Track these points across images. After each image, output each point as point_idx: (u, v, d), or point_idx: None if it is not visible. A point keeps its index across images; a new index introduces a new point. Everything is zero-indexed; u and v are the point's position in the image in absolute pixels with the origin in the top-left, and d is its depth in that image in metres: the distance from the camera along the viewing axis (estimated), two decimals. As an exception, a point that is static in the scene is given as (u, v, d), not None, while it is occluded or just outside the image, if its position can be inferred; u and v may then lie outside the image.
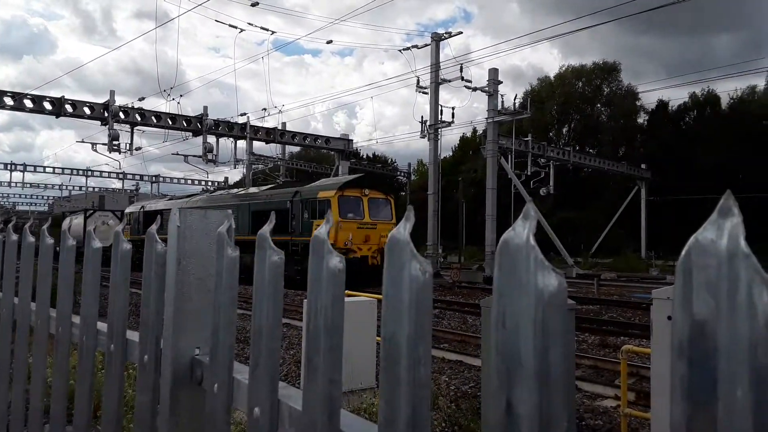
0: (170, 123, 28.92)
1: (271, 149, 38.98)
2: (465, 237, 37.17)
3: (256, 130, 32.22)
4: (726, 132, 42.29)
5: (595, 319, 13.72)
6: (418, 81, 28.09)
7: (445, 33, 28.21)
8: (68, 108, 25.81)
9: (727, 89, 69.63)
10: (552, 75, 57.63)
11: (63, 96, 25.83)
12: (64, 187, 63.73)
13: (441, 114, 27.56)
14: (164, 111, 29.05)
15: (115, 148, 27.12)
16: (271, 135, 32.86)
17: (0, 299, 2.38)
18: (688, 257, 0.51)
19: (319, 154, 51.59)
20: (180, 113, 29.47)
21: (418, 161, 61.60)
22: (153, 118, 28.30)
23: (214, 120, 29.91)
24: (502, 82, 27.29)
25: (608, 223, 40.31)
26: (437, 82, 27.52)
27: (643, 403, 6.53)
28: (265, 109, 34.37)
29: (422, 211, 25.99)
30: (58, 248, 2.03)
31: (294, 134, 34.26)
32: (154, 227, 1.52)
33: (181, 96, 41.94)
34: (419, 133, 28.44)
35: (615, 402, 6.87)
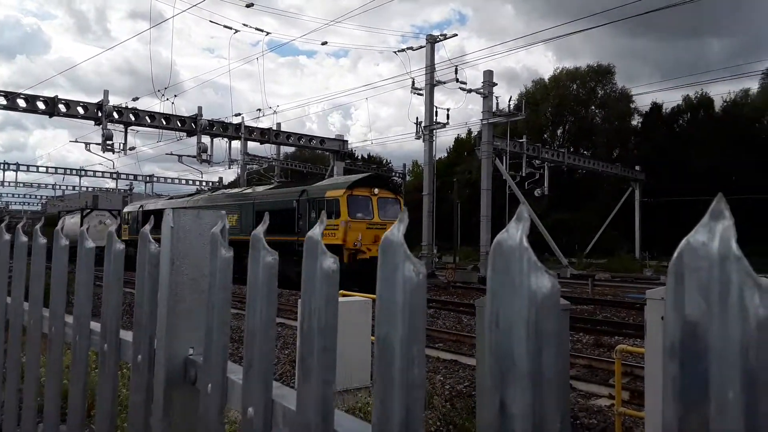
0: (164, 123, 28.84)
1: (266, 150, 38.94)
2: (460, 237, 37.20)
3: (250, 130, 32.17)
4: (719, 134, 42.50)
5: (589, 319, 13.76)
6: (413, 82, 28.12)
7: (440, 35, 28.28)
8: (62, 108, 25.71)
9: (721, 92, 69.94)
10: (547, 77, 57.82)
11: (56, 96, 25.72)
12: (57, 187, 63.53)
13: (436, 115, 27.60)
14: (158, 111, 28.97)
15: (109, 147, 27.03)
16: (265, 135, 32.81)
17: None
18: (680, 259, 0.52)
19: (313, 154, 51.54)
20: (174, 113, 29.41)
21: (413, 162, 61.71)
22: (147, 118, 28.21)
23: (208, 120, 29.85)
24: (496, 84, 27.37)
25: (602, 224, 40.44)
26: (432, 84, 27.55)
27: (637, 402, 6.55)
28: (259, 110, 34.36)
29: (417, 212, 26.02)
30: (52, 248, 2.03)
31: (289, 135, 34.22)
32: (147, 227, 1.52)
33: (175, 96, 42.05)
34: (414, 134, 28.47)
35: (609, 401, 6.90)
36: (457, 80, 26.95)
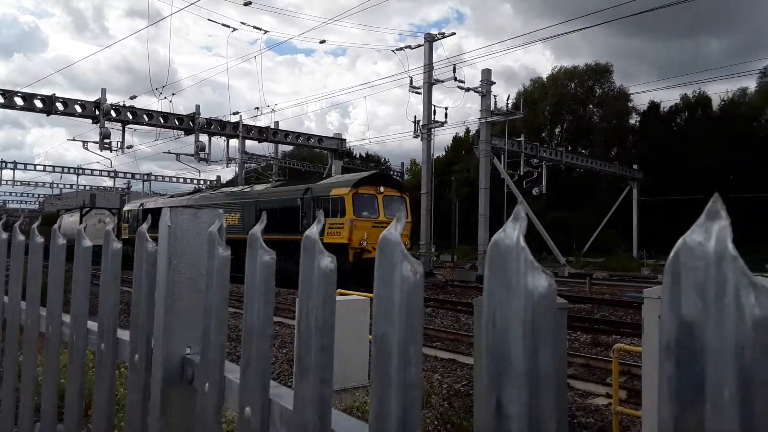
0: (162, 121, 28.80)
1: (264, 148, 38.92)
2: (458, 236, 37.22)
3: (248, 128, 32.14)
4: (717, 133, 42.57)
5: (587, 318, 13.78)
6: (411, 81, 28.12)
7: (439, 34, 28.26)
8: (59, 106, 25.66)
9: (718, 91, 70.09)
10: (545, 76, 57.86)
11: (54, 94, 25.68)
12: (54, 185, 63.44)
13: (434, 114, 27.60)
14: (156, 109, 28.93)
15: (107, 146, 27.00)
16: (263, 134, 32.78)
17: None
18: (677, 259, 0.52)
19: (311, 153, 51.52)
20: (172, 112, 29.36)
21: (411, 161, 61.72)
22: (145, 116, 28.17)
23: (206, 119, 29.81)
24: (495, 83, 27.36)
25: (600, 222, 40.50)
26: (430, 83, 27.55)
27: (635, 401, 6.56)
28: (257, 108, 34.31)
29: (415, 211, 26.01)
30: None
31: (287, 133, 34.19)
32: (145, 226, 1.51)
33: (173, 94, 41.87)
34: (412, 132, 28.47)
35: (606, 400, 6.91)
36: (456, 79, 26.97)
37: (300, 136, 34.43)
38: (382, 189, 20.21)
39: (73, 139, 32.11)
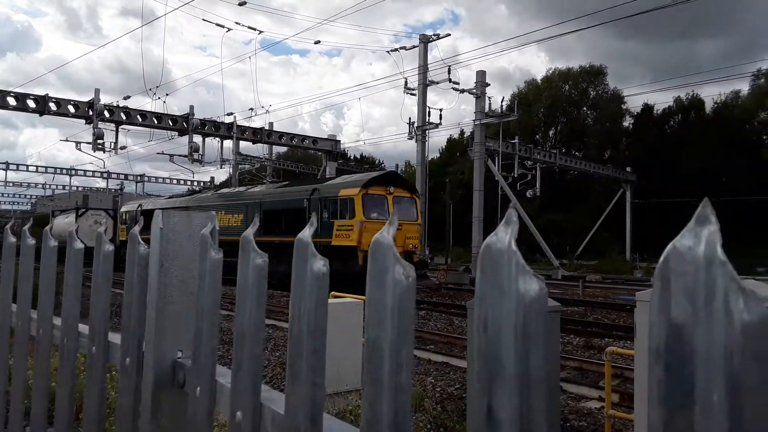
0: (156, 122, 28.73)
1: (258, 149, 38.90)
2: (452, 238, 37.26)
3: (242, 129, 32.10)
4: (710, 136, 42.81)
5: (580, 321, 13.81)
6: (405, 82, 28.19)
7: (433, 35, 28.35)
8: (52, 106, 25.56)
9: (712, 93, 70.46)
10: (539, 78, 58.03)
11: (47, 94, 25.58)
12: (47, 186, 63.15)
13: (429, 115, 27.68)
14: (150, 110, 28.85)
15: (100, 147, 26.88)
16: (258, 135, 32.75)
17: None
18: (666, 264, 0.52)
19: (306, 154, 51.51)
20: (166, 112, 29.29)
21: (406, 162, 61.78)
22: (138, 117, 28.09)
23: (200, 119, 29.76)
24: (489, 85, 27.47)
25: (594, 225, 40.64)
26: (425, 84, 27.61)
27: (627, 404, 6.58)
28: (252, 109, 34.32)
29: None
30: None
31: (281, 134, 34.17)
32: (137, 228, 1.51)
33: (167, 95, 41.86)
34: (407, 134, 28.53)
35: (599, 403, 6.92)
36: (450, 80, 27.04)
37: (294, 138, 34.41)
38: (392, 189, 19.55)
39: (66, 140, 32.08)
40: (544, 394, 0.63)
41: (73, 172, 55.76)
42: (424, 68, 27.70)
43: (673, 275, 0.52)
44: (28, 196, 77.12)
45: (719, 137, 42.39)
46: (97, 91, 26.21)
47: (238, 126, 31.66)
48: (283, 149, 49.25)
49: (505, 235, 0.66)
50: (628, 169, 41.26)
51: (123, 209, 34.19)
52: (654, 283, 0.53)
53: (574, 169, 39.58)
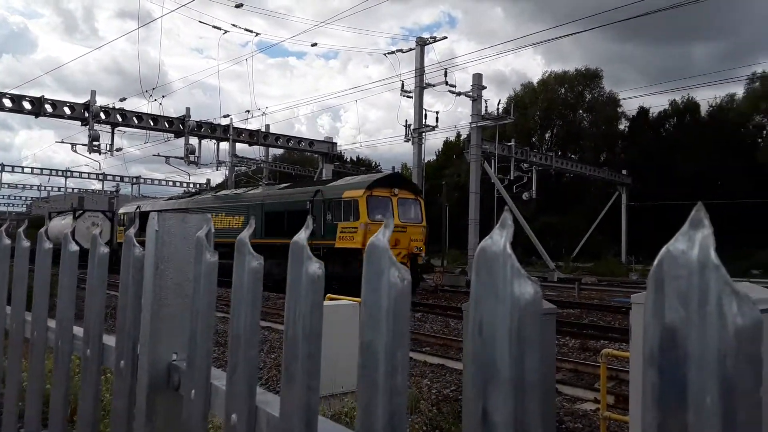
0: (152, 124, 28.68)
1: (254, 151, 38.82)
2: (448, 241, 37.24)
3: (239, 132, 32.08)
4: (705, 139, 42.95)
5: (575, 323, 13.84)
6: (402, 85, 28.23)
7: (430, 38, 28.38)
8: (48, 108, 25.49)
9: (707, 97, 70.84)
10: (535, 81, 58.13)
11: (43, 96, 25.50)
12: (42, 188, 62.93)
13: (425, 118, 27.71)
14: (146, 112, 28.81)
15: (96, 148, 26.82)
16: (254, 137, 32.73)
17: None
18: (660, 267, 0.52)
19: (302, 156, 51.45)
20: (162, 114, 29.27)
21: (402, 165, 61.68)
22: (134, 118, 28.05)
23: (196, 121, 29.72)
24: (486, 87, 27.52)
25: (589, 227, 40.72)
26: (422, 87, 27.64)
27: (622, 406, 6.59)
28: (248, 111, 34.32)
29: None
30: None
31: (278, 136, 34.15)
32: (132, 230, 1.50)
33: (163, 97, 41.76)
34: (403, 136, 28.57)
35: (595, 405, 6.93)
36: (447, 83, 27.09)
37: (291, 140, 34.40)
38: (396, 191, 19.28)
39: (62, 142, 31.93)
40: (539, 397, 0.63)
41: (69, 173, 55.64)
42: (420, 71, 27.74)
43: (666, 279, 0.52)
44: (24, 198, 76.90)
45: (714, 140, 42.53)
46: (93, 93, 26.20)
47: (234, 128, 31.63)
48: (279, 151, 49.19)
49: (500, 239, 0.66)
50: (624, 171, 41.37)
51: (121, 211, 33.73)
52: (648, 287, 0.54)
53: (570, 172, 39.68)
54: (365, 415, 0.78)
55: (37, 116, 25.57)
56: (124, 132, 29.56)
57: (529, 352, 0.62)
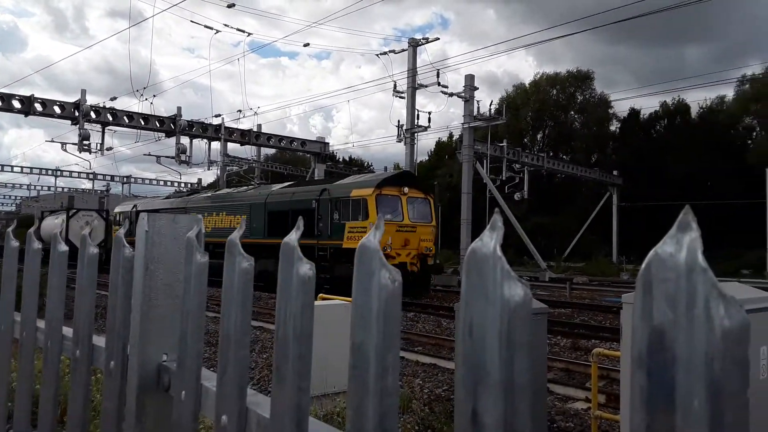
0: (143, 123, 28.53)
1: (246, 151, 38.73)
2: (440, 241, 37.28)
3: (230, 131, 31.97)
4: (695, 140, 43.21)
5: (567, 323, 13.89)
6: (395, 85, 28.23)
7: (422, 38, 28.41)
8: (38, 107, 25.31)
9: (697, 99, 71.29)
10: (527, 82, 58.25)
11: (33, 94, 25.33)
12: (32, 187, 62.52)
13: (417, 118, 27.74)
14: (137, 111, 28.66)
15: (86, 148, 26.66)
16: (246, 137, 32.63)
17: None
18: (648, 270, 0.52)
19: (294, 156, 51.36)
20: (153, 113, 29.12)
21: (395, 165, 61.72)
22: (125, 118, 27.89)
23: (187, 121, 29.59)
24: (478, 88, 27.55)
25: (581, 228, 40.87)
26: (414, 87, 27.66)
27: (614, 405, 6.62)
28: (240, 111, 34.19)
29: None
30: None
31: (269, 136, 34.06)
32: (122, 231, 1.50)
33: (154, 96, 41.58)
34: (396, 137, 28.57)
35: (586, 404, 6.96)
36: (439, 84, 27.10)
37: (283, 140, 34.33)
38: (406, 190, 18.63)
39: (52, 141, 31.72)
40: (530, 398, 0.63)
41: (59, 173, 55.29)
42: (413, 72, 27.76)
43: (654, 281, 0.52)
44: (13, 197, 76.36)
45: (705, 142, 42.80)
46: (83, 92, 26.01)
47: (226, 128, 31.53)
48: (271, 151, 49.07)
49: (490, 240, 0.66)
50: (615, 172, 41.57)
51: (117, 210, 32.91)
52: (636, 290, 0.54)
53: (561, 173, 39.84)
54: (356, 416, 0.78)
55: (26, 115, 25.39)
56: (115, 131, 29.42)
57: (519, 354, 0.63)
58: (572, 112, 55.39)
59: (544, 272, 28.31)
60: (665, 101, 49.94)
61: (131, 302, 1.40)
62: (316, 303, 7.59)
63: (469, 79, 27.33)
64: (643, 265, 0.53)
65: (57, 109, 25.90)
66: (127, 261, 1.44)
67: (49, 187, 61.68)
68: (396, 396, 0.76)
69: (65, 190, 64.46)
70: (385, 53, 29.03)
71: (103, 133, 27.50)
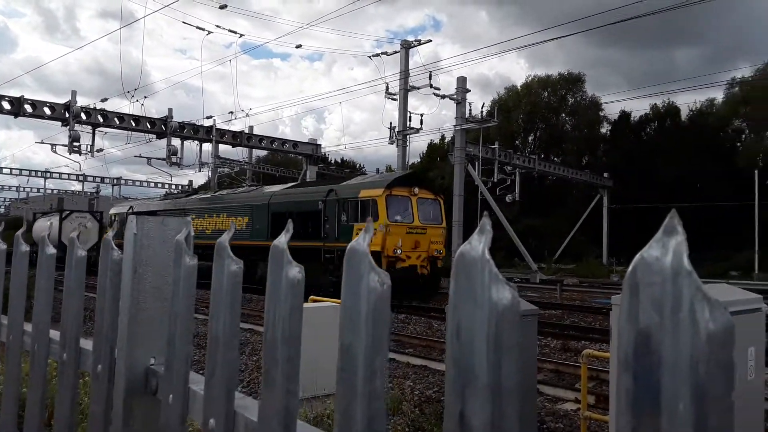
0: (133, 125, 28.39)
1: (238, 153, 38.64)
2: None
3: (222, 133, 31.87)
4: (685, 143, 43.51)
5: (557, 324, 13.94)
6: (387, 87, 28.25)
7: (415, 41, 28.47)
8: (28, 108, 25.14)
9: (688, 101, 71.71)
10: (519, 84, 58.41)
11: (22, 96, 25.15)
12: (21, 189, 62.08)
13: (410, 120, 27.76)
14: (127, 112, 28.52)
15: (76, 149, 26.50)
16: (237, 138, 32.55)
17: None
18: (634, 274, 0.53)
19: (286, 158, 51.28)
20: (144, 115, 28.99)
21: (387, 167, 61.74)
22: (116, 119, 27.74)
23: (178, 122, 29.48)
24: (470, 91, 27.63)
25: (571, 229, 41.03)
26: (406, 89, 27.69)
27: (603, 406, 6.65)
28: (231, 113, 34.11)
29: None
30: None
31: (261, 138, 33.99)
32: (110, 233, 1.49)
33: (145, 97, 41.46)
34: (388, 139, 28.58)
35: (575, 405, 6.99)
36: (431, 86, 27.15)
37: (275, 141, 34.26)
38: (416, 190, 18.20)
39: (42, 142, 31.55)
40: (517, 401, 0.63)
41: (48, 174, 54.93)
42: (405, 74, 27.79)
43: (641, 285, 0.52)
44: (2, 199, 75.75)
45: (694, 144, 43.08)
46: (73, 93, 25.87)
47: (217, 129, 31.43)
48: (262, 153, 49.00)
49: (479, 244, 0.66)
50: (606, 174, 41.78)
51: (112, 211, 32.30)
52: (622, 293, 0.54)
53: (552, 175, 39.99)
54: (344, 419, 0.78)
55: (16, 116, 25.21)
56: (105, 133, 29.29)
57: (506, 357, 0.63)
58: (563, 115, 55.64)
59: (534, 274, 28.39)
60: (655, 104, 50.31)
61: (119, 305, 1.39)
62: (306, 305, 7.57)
63: (461, 81, 27.39)
64: (630, 269, 0.53)
65: (47, 111, 25.73)
66: (116, 264, 1.43)
67: (38, 189, 61.29)
68: (383, 399, 0.76)
69: (55, 191, 64.03)
70: (377, 55, 29.07)
71: (94, 134, 27.37)
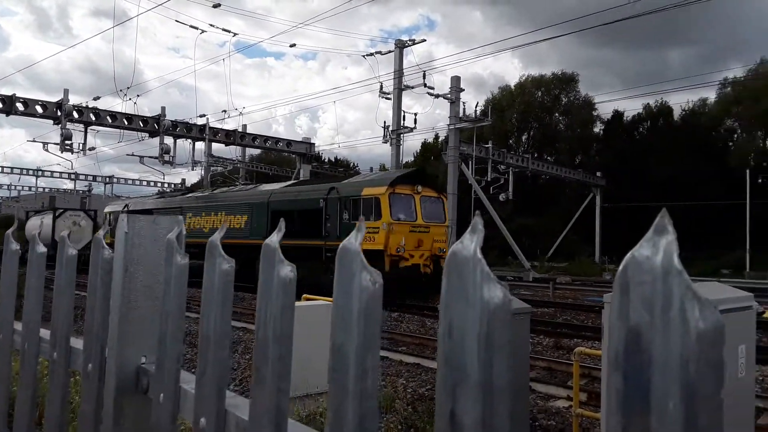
0: (126, 123, 28.26)
1: (231, 151, 38.54)
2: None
3: (215, 131, 31.77)
4: (678, 142, 43.72)
5: (550, 322, 13.99)
6: (381, 87, 28.26)
7: (409, 40, 28.46)
8: (19, 106, 24.98)
9: (680, 101, 72.16)
10: (513, 84, 58.51)
11: (14, 94, 25.01)
12: (13, 187, 61.71)
13: (403, 120, 27.76)
14: (120, 111, 28.38)
15: (68, 148, 26.37)
16: (230, 137, 32.46)
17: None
18: (625, 273, 0.53)
19: (279, 157, 51.18)
20: (137, 113, 28.85)
21: (381, 166, 61.74)
22: (108, 117, 27.61)
23: (171, 121, 29.35)
24: (464, 90, 27.64)
25: (564, 228, 41.17)
26: (400, 88, 27.69)
27: (595, 403, 6.69)
28: (225, 111, 33.96)
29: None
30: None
31: (255, 137, 33.91)
32: (101, 232, 1.48)
33: (138, 96, 41.17)
34: (382, 138, 28.57)
35: (567, 402, 7.01)
36: (425, 85, 27.16)
37: (268, 140, 34.19)
38: (419, 189, 18.01)
39: (34, 141, 31.31)
40: (509, 400, 0.63)
41: (40, 173, 54.59)
42: (399, 73, 27.79)
43: (631, 284, 0.52)
44: (-7, 197, 75.22)
45: (687, 144, 43.30)
46: (66, 92, 25.70)
47: (210, 128, 31.32)
48: (256, 152, 48.85)
49: (470, 243, 0.66)
50: (598, 174, 41.94)
51: (107, 209, 31.57)
52: (613, 292, 0.54)
53: (545, 174, 40.11)
54: (335, 418, 0.77)
55: (8, 114, 25.05)
56: (98, 131, 29.17)
57: (498, 356, 0.63)
58: (557, 114, 55.79)
59: (527, 272, 28.47)
60: (648, 103, 50.52)
61: (110, 304, 1.38)
62: (299, 303, 7.57)
63: (455, 80, 27.42)
64: (620, 268, 0.53)
65: (39, 109, 25.57)
66: (106, 262, 1.42)
67: (30, 188, 60.95)
68: (375, 399, 0.76)
69: (46, 190, 63.70)
70: (371, 54, 29.06)
71: (86, 133, 27.22)
